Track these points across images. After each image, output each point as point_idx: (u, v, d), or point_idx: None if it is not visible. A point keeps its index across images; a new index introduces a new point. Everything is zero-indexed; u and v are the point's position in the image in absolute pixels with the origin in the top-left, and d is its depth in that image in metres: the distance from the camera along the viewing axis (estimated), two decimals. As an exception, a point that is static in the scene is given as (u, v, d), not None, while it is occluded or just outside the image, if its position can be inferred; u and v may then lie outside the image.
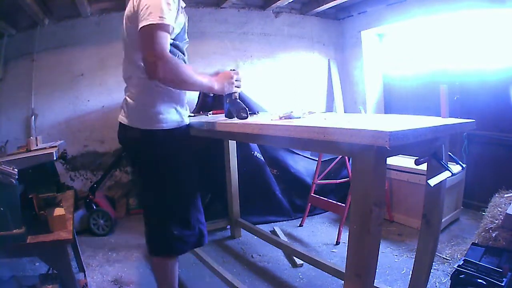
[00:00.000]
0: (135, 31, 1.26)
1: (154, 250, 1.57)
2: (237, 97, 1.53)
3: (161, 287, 1.64)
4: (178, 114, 1.48)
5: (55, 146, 1.95)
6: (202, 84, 1.37)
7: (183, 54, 1.48)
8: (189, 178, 1.56)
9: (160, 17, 1.19)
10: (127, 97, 1.48)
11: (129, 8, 1.34)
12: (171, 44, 1.33)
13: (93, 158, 3.42)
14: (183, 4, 1.42)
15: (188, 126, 1.56)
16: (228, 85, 1.46)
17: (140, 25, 1.20)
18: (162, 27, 1.20)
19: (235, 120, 1.51)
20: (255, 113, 2.04)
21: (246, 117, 1.46)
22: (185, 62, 1.47)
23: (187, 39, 1.51)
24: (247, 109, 1.48)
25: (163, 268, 1.58)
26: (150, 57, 1.19)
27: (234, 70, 1.52)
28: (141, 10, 1.22)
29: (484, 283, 1.53)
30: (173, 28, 1.30)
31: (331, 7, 3.74)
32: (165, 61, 1.20)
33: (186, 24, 1.46)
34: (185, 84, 1.32)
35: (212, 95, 3.08)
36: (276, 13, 3.91)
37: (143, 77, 1.31)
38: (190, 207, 1.55)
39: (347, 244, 1.03)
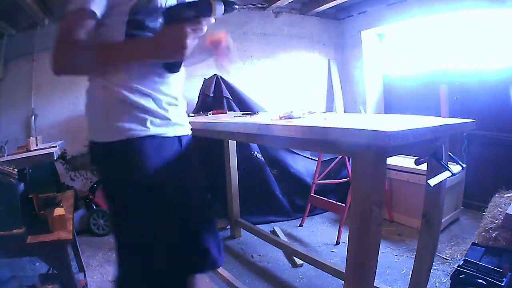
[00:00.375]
0: None
1: None
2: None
3: None
4: (145, 119, 0.98)
5: (55, 146, 1.95)
6: (128, 56, 0.94)
7: None
8: (167, 221, 1.01)
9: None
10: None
11: None
12: (132, 26, 0.95)
13: (93, 158, 3.42)
14: None
15: (171, 138, 1.05)
16: (182, 46, 0.89)
17: None
18: (68, 15, 0.93)
19: (235, 120, 1.51)
20: (255, 113, 2.04)
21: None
22: None
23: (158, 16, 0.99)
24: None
25: None
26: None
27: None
28: None
29: (484, 283, 1.53)
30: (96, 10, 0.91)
31: (331, 7, 3.74)
32: (57, 51, 0.90)
33: None
34: (92, 66, 0.95)
35: (212, 95, 3.09)
36: (276, 13, 3.91)
37: (89, 79, 1.02)
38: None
39: (347, 244, 1.03)
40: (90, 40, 0.92)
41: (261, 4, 3.77)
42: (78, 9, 0.90)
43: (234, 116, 2.02)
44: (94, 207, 2.91)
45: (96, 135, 1.00)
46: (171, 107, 1.05)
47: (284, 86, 3.99)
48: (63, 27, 0.92)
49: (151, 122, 0.99)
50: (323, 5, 3.62)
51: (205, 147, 2.90)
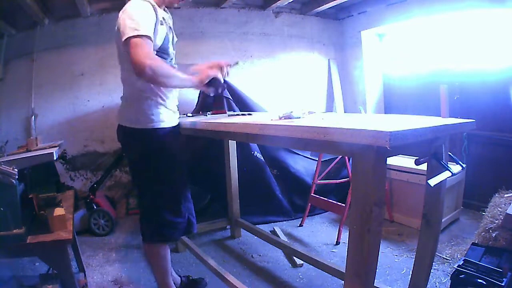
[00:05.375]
0: (121, 44, 1.42)
1: (147, 237, 1.72)
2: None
3: (155, 273, 1.84)
4: (166, 115, 1.61)
5: (55, 146, 1.95)
6: (183, 79, 1.52)
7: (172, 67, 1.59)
8: (178, 171, 1.70)
9: (135, 29, 1.34)
10: (122, 99, 1.66)
11: (117, 23, 1.50)
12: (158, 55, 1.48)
13: (93, 158, 3.42)
14: (165, 16, 1.58)
15: (176, 126, 1.71)
16: (205, 77, 1.60)
17: (122, 39, 1.37)
18: (140, 37, 1.34)
19: (235, 120, 1.51)
20: (250, 113, 2.04)
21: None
22: None
23: (173, 52, 1.65)
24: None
25: (155, 254, 1.75)
26: (136, 63, 1.33)
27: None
28: (121, 25, 1.40)
29: (484, 283, 1.53)
30: (152, 37, 1.40)
31: (331, 7, 3.74)
32: (149, 62, 1.32)
33: (170, 37, 1.59)
34: (167, 79, 1.44)
35: (212, 95, 3.09)
36: (276, 13, 3.91)
37: (134, 80, 1.48)
38: (180, 197, 1.71)
39: (347, 244, 1.03)
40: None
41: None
42: (146, 36, 1.35)
43: (229, 115, 2.03)
44: (95, 207, 2.91)
45: (132, 124, 1.57)
46: (174, 110, 1.70)
47: (284, 86, 3.99)
48: (142, 44, 1.34)
49: (171, 118, 1.65)
50: (323, 5, 3.62)
51: (204, 147, 2.91)
